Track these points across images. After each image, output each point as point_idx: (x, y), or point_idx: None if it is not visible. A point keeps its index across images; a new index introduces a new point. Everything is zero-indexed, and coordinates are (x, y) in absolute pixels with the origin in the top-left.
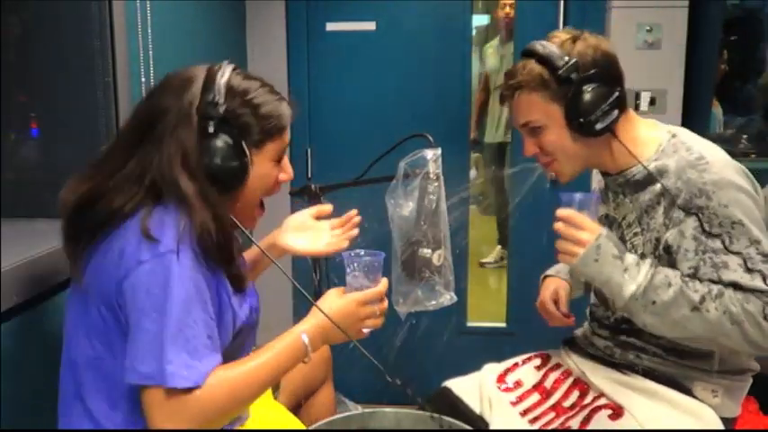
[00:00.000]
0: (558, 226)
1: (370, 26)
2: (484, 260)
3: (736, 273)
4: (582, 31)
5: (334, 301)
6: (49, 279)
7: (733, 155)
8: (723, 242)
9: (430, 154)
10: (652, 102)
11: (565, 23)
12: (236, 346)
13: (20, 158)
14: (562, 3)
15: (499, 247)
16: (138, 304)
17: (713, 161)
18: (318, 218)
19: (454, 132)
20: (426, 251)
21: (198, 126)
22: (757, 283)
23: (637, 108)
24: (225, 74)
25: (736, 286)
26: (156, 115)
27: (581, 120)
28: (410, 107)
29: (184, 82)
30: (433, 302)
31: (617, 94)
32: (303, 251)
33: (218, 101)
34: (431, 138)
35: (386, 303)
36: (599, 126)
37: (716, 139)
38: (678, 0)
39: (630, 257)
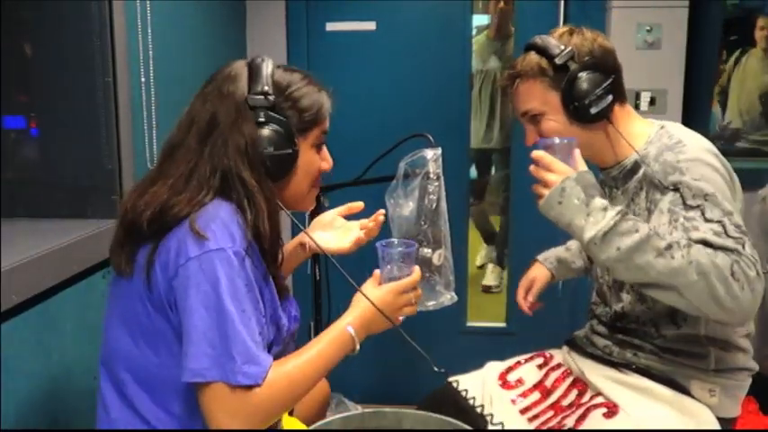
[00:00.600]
0: (531, 168)
1: (370, 26)
2: (485, 283)
3: (706, 234)
4: (581, 26)
5: (371, 292)
6: (50, 279)
7: (732, 154)
8: (697, 213)
9: (430, 154)
10: (652, 102)
11: (565, 23)
12: (278, 353)
13: (20, 158)
14: (562, 3)
15: (499, 268)
16: (190, 301)
17: (690, 145)
18: (347, 216)
19: (454, 132)
20: (427, 251)
21: (252, 117)
22: (727, 242)
23: (637, 108)
24: (269, 66)
25: (705, 243)
26: (215, 114)
27: (576, 104)
28: (410, 107)
29: (232, 77)
30: (434, 302)
31: (611, 81)
32: (330, 249)
33: (267, 91)
34: (431, 137)
35: (420, 291)
36: (593, 110)
37: (716, 139)
38: (678, 0)
39: (598, 202)
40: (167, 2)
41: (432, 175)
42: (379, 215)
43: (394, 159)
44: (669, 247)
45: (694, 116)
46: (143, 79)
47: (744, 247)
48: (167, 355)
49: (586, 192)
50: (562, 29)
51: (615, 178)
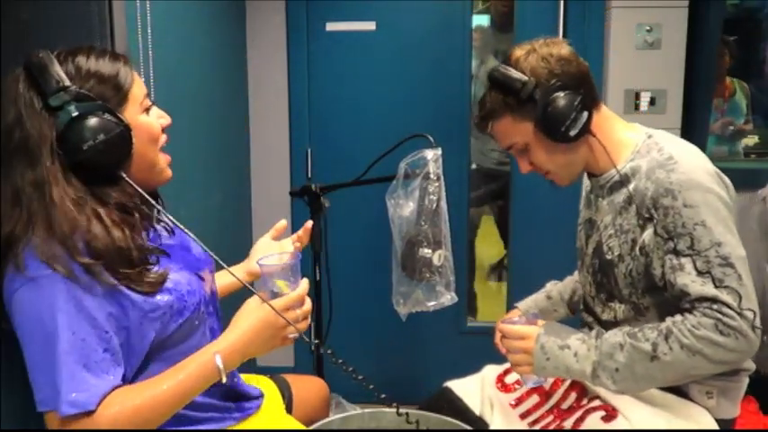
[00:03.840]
0: (504, 343)
1: (370, 26)
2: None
3: (689, 276)
4: (534, 42)
5: (252, 312)
6: None
7: (733, 154)
8: (685, 243)
9: (430, 154)
10: (652, 102)
11: (565, 23)
12: (181, 335)
13: None
14: (562, 3)
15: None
16: (19, 332)
17: (682, 161)
18: (277, 237)
19: (454, 132)
20: (427, 251)
21: (55, 119)
22: (706, 289)
23: (636, 108)
24: (52, 61)
25: (683, 294)
26: (12, 135)
27: (555, 131)
28: (410, 107)
29: (10, 91)
30: (434, 303)
31: (581, 96)
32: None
33: (63, 84)
34: (431, 138)
35: (309, 305)
36: (573, 132)
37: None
38: (678, 0)
39: (574, 340)
40: (167, 2)
41: (432, 176)
42: (307, 224)
43: (394, 160)
44: (655, 347)
45: (694, 116)
46: (143, 79)
47: (726, 288)
48: None
49: (561, 337)
50: (519, 51)
51: (602, 187)
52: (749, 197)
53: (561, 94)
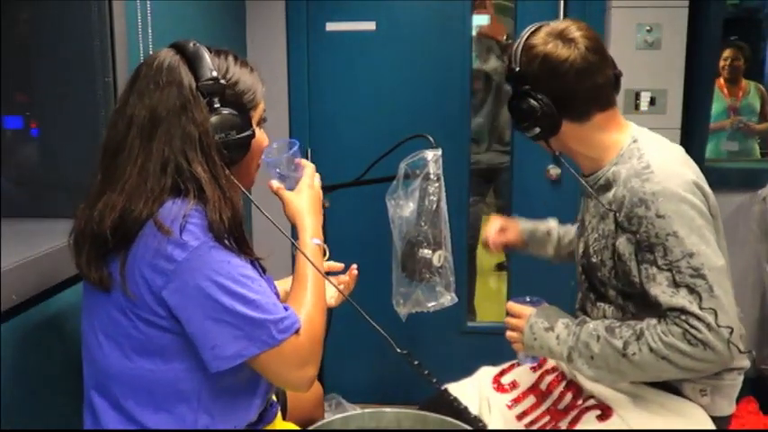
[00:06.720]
0: (505, 319)
1: (370, 26)
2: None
3: (660, 287)
4: (555, 30)
5: (302, 199)
6: (49, 279)
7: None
8: (658, 254)
9: (430, 155)
10: (652, 102)
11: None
12: None
13: (19, 158)
14: (562, 3)
15: None
16: (195, 299)
17: (658, 171)
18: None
19: (454, 133)
20: (427, 252)
21: (205, 104)
22: (677, 300)
23: (636, 108)
24: (205, 52)
25: (656, 304)
26: (156, 108)
27: (515, 124)
28: (410, 107)
29: (167, 68)
30: (434, 303)
31: (546, 109)
32: None
33: (216, 76)
34: (431, 138)
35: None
36: (527, 134)
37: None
38: (678, 0)
39: (560, 324)
40: (167, 2)
41: (432, 176)
42: (353, 269)
43: (394, 160)
44: (626, 345)
45: (694, 116)
46: None
47: (696, 300)
48: (162, 361)
49: (549, 320)
50: (534, 38)
51: (592, 188)
52: (749, 197)
53: (529, 98)
